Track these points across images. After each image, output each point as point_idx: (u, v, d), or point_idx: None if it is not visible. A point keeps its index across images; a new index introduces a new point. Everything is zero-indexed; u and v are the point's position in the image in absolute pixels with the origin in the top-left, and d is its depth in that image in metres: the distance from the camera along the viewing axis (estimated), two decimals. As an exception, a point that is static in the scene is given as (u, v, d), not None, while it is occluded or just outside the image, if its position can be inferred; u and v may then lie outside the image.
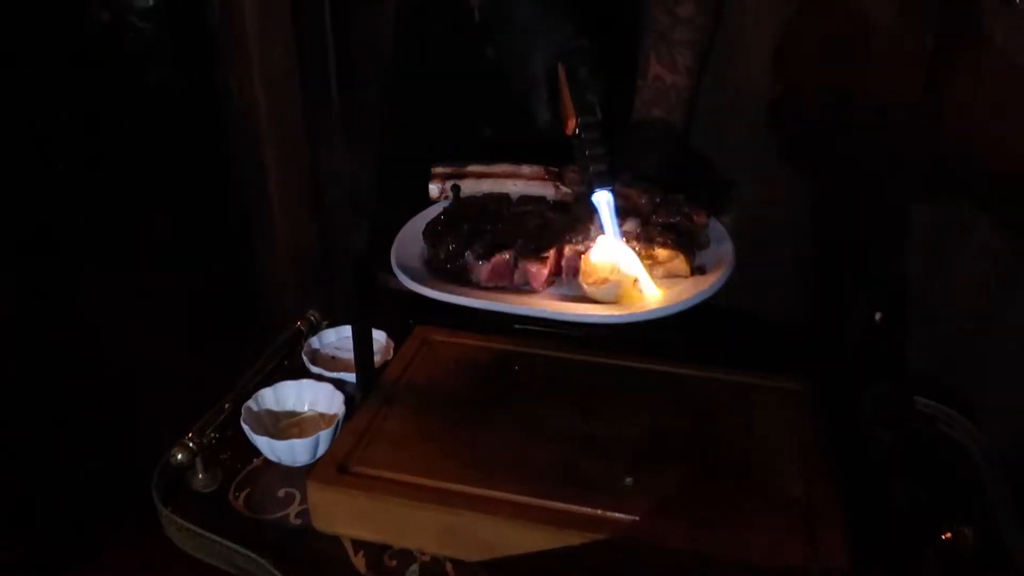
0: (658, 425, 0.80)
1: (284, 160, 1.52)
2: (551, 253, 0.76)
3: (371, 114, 1.15)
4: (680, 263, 0.75)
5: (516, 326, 1.00)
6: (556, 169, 0.90)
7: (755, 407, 0.83)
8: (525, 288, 0.75)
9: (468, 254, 0.76)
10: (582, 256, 0.74)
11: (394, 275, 0.76)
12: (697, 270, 0.76)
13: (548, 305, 0.73)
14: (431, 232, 0.80)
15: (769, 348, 0.95)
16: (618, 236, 0.74)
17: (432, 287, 0.73)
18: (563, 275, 0.77)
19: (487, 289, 0.75)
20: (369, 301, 0.81)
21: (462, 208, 0.85)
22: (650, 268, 0.73)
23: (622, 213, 0.77)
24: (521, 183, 0.89)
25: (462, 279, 0.76)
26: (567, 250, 0.76)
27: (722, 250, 0.79)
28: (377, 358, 0.89)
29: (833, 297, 1.11)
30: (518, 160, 0.91)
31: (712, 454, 0.76)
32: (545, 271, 0.74)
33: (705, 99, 1.10)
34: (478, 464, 0.74)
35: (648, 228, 0.78)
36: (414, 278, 0.74)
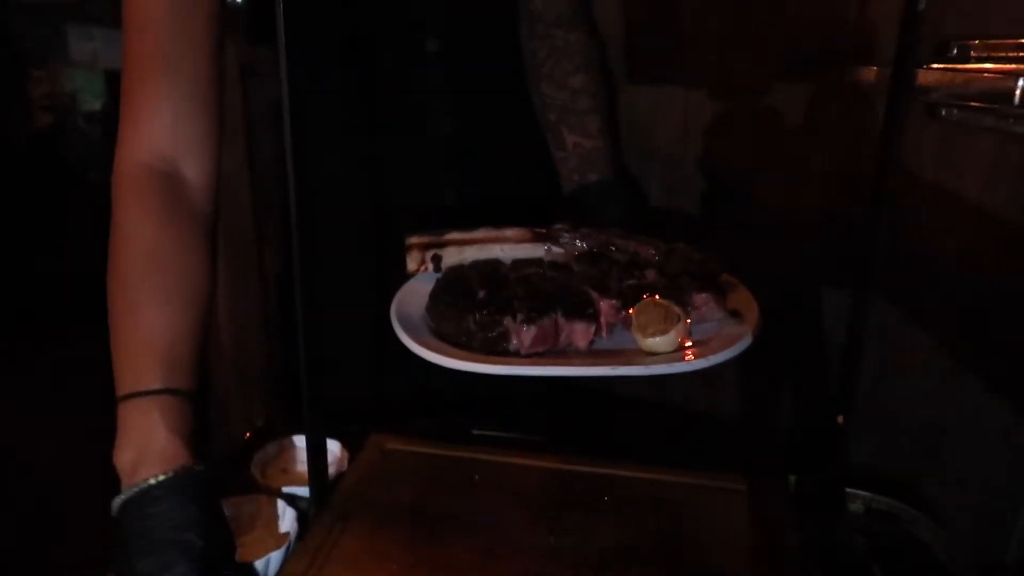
0: (625, 535, 0.77)
1: (230, 260, 1.48)
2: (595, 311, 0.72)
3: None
4: (717, 306, 0.73)
5: (475, 432, 0.98)
6: (544, 230, 0.86)
7: (722, 509, 0.81)
8: (568, 350, 0.71)
9: (508, 320, 0.71)
10: (631, 311, 0.71)
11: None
12: (732, 313, 0.74)
13: (615, 361, 0.68)
14: (442, 303, 0.75)
15: (720, 446, 0.94)
16: None
17: (479, 361, 0.68)
18: (603, 332, 0.73)
19: (530, 356, 0.70)
20: (323, 408, 0.76)
21: (460, 277, 0.79)
22: (686, 314, 0.71)
23: (632, 266, 0.75)
24: (508, 247, 0.85)
25: (495, 348, 0.70)
26: (604, 306, 0.73)
27: (740, 293, 0.77)
28: (331, 469, 0.85)
29: (775, 394, 1.11)
30: (498, 224, 0.86)
31: (682, 563, 0.74)
32: (592, 329, 0.71)
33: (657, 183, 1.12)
34: (439, 584, 0.70)
35: (669, 278, 0.75)
36: (448, 355, 0.68)
